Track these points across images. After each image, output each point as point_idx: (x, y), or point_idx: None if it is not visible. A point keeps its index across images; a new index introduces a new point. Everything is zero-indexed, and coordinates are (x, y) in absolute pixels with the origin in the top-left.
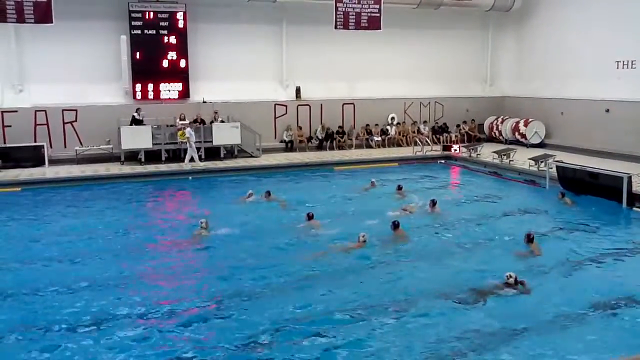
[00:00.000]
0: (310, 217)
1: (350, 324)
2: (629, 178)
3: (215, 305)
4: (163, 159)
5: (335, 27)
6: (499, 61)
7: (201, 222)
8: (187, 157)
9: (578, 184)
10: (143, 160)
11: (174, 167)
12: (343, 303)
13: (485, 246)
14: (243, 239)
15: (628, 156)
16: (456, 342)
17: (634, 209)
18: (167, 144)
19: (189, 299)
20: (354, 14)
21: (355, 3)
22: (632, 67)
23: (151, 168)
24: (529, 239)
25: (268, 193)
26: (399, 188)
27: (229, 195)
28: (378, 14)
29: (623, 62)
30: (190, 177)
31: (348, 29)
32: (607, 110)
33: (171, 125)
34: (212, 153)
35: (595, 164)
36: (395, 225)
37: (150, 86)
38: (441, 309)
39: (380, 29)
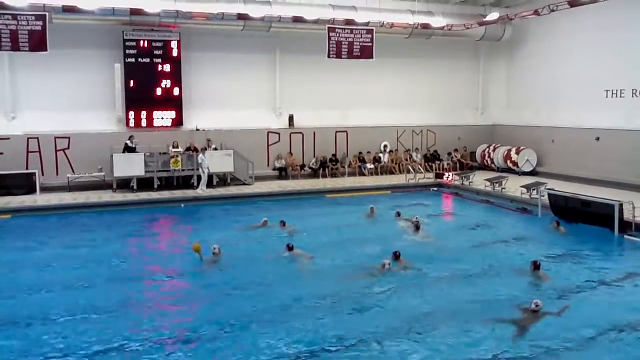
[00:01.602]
0: (290, 248)
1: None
2: (620, 205)
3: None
4: (155, 186)
5: (328, 56)
6: (490, 90)
7: (214, 248)
8: (203, 184)
9: (570, 212)
10: (135, 187)
11: (166, 194)
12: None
13: (486, 274)
14: (253, 265)
15: (618, 184)
16: None
17: (626, 236)
18: (159, 171)
19: (187, 327)
20: (347, 43)
21: (347, 32)
22: (620, 96)
23: (143, 195)
24: (535, 266)
25: (283, 222)
26: (398, 214)
27: (224, 222)
28: (370, 44)
29: (612, 91)
30: (182, 205)
31: (341, 57)
32: (598, 139)
33: (164, 153)
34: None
35: (587, 192)
36: (397, 256)
37: (144, 114)
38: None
39: (372, 57)
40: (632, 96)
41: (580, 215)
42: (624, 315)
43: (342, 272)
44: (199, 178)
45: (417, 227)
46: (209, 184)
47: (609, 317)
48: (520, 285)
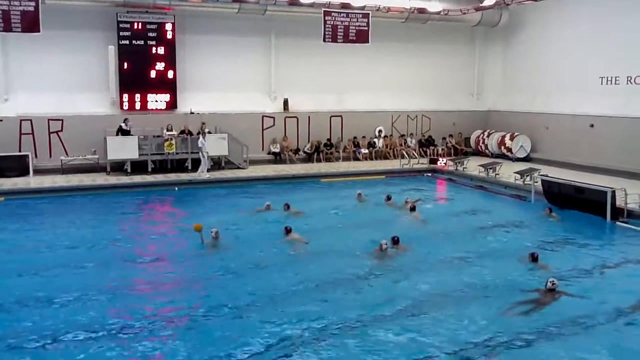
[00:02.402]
0: (288, 230)
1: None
2: (613, 192)
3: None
4: (149, 169)
5: (324, 40)
6: (485, 76)
7: (212, 232)
8: (203, 168)
9: (563, 199)
10: (129, 170)
11: (160, 178)
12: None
13: (482, 258)
14: (251, 248)
15: (612, 171)
16: None
17: (618, 223)
18: (153, 154)
19: (181, 307)
20: (343, 27)
21: (344, 16)
22: (615, 83)
23: (137, 179)
24: (534, 258)
25: (287, 205)
26: (389, 198)
27: (221, 206)
28: (366, 28)
29: (607, 78)
30: (176, 188)
31: (337, 42)
32: (592, 125)
33: (158, 136)
34: (199, 164)
35: (580, 179)
36: (395, 241)
37: (138, 96)
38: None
39: (368, 42)
40: (627, 83)
41: (573, 202)
42: (616, 300)
43: (339, 255)
44: (194, 161)
45: (413, 209)
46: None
47: (601, 302)
48: (516, 270)
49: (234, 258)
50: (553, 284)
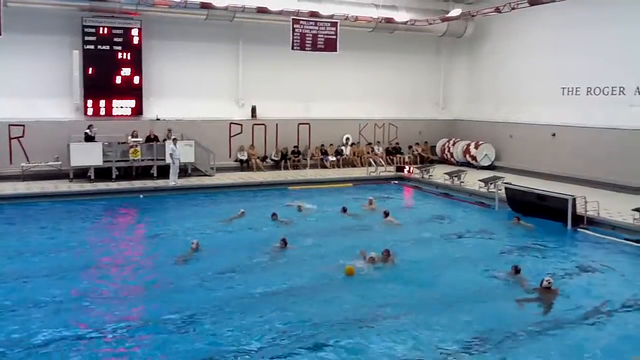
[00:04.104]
0: (285, 243)
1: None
2: (574, 200)
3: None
4: (114, 176)
5: (292, 48)
6: (451, 85)
7: (192, 243)
8: (174, 174)
9: (526, 206)
10: (93, 177)
11: (125, 185)
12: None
13: (453, 265)
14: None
15: (573, 179)
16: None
17: (578, 229)
18: (118, 161)
19: (141, 319)
20: (311, 35)
21: (312, 25)
22: (576, 94)
23: (101, 186)
24: (516, 270)
25: (274, 215)
26: (370, 203)
27: (188, 213)
28: (335, 36)
29: (568, 88)
30: (141, 196)
31: (305, 50)
32: (554, 135)
33: (123, 143)
34: (165, 171)
35: (542, 186)
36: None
37: (103, 102)
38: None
39: (336, 50)
40: (587, 94)
41: (535, 209)
42: (583, 302)
43: (321, 263)
44: (159, 169)
45: (386, 214)
46: (168, 174)
47: (566, 307)
48: (485, 273)
49: (195, 266)
50: (549, 283)
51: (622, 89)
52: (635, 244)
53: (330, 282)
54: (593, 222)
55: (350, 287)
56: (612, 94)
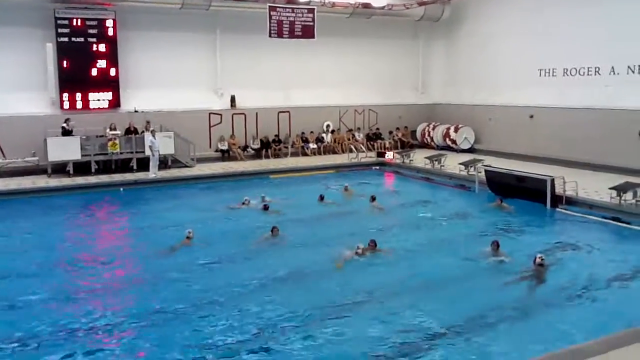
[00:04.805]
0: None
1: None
2: (552, 181)
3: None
4: (93, 170)
5: (270, 36)
6: (430, 69)
7: (188, 232)
8: (154, 167)
9: (505, 188)
10: (71, 172)
11: (104, 178)
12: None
13: (440, 247)
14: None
15: (551, 159)
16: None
17: (557, 209)
18: (96, 155)
19: (123, 314)
20: (288, 22)
21: (289, 12)
22: (553, 75)
23: (80, 180)
24: (497, 245)
25: (266, 206)
26: (346, 189)
27: (166, 206)
28: (312, 23)
29: (545, 70)
30: (121, 189)
31: (282, 37)
32: (532, 116)
33: (101, 136)
34: (144, 164)
35: (521, 168)
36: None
37: (79, 95)
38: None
39: (314, 37)
40: (564, 75)
41: (515, 191)
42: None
43: (307, 251)
44: (139, 161)
45: (373, 199)
46: (148, 166)
47: (551, 285)
48: (469, 255)
49: (178, 259)
50: (542, 259)
51: (597, 69)
52: (613, 222)
53: (318, 269)
54: (572, 202)
55: (335, 275)
56: (588, 75)
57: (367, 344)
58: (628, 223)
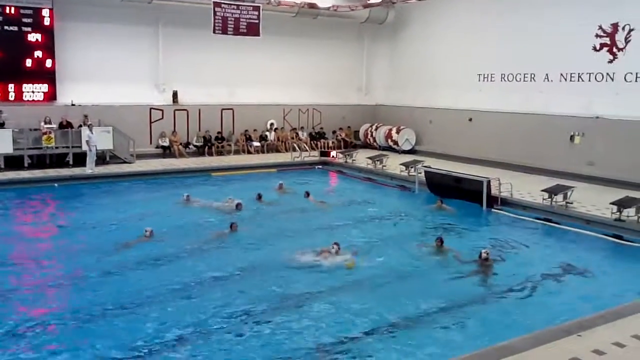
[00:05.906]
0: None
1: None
2: (488, 182)
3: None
4: (26, 164)
5: (214, 32)
6: (373, 71)
7: (146, 231)
8: (91, 162)
9: (444, 188)
10: (3, 166)
11: (38, 173)
12: None
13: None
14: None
15: (489, 162)
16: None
17: (493, 210)
18: (30, 149)
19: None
20: (233, 19)
21: (234, 8)
22: (491, 80)
23: (12, 175)
24: (441, 242)
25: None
26: (280, 187)
27: (102, 202)
28: (257, 21)
29: (484, 75)
30: (56, 185)
31: (227, 34)
32: (470, 119)
33: (35, 129)
34: (81, 159)
35: (459, 169)
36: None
37: (11, 87)
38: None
39: (259, 35)
40: (502, 80)
41: (453, 191)
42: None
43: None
44: (75, 156)
45: (307, 195)
46: (85, 161)
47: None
48: (412, 252)
49: (103, 257)
50: (487, 254)
51: (533, 75)
52: (544, 223)
53: (264, 267)
54: (506, 203)
55: (282, 273)
56: (524, 81)
57: (310, 339)
58: (558, 223)
